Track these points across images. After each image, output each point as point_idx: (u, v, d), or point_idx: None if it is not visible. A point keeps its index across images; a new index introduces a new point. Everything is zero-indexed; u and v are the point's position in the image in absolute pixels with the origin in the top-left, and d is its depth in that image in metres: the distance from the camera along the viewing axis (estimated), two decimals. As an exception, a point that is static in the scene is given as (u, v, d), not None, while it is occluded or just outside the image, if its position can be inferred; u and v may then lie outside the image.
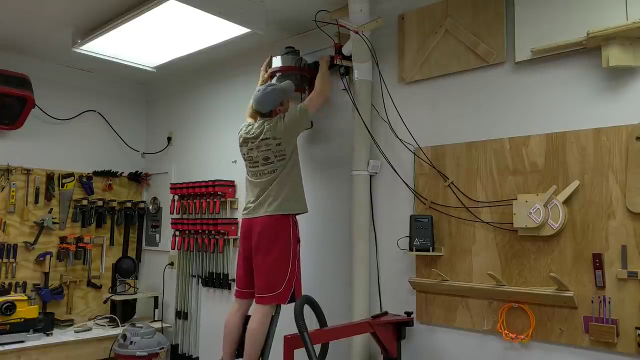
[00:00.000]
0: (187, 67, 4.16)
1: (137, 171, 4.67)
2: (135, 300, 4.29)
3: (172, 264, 4.22)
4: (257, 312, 2.68)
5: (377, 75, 2.94)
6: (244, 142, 2.86)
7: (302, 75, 3.16)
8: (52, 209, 4.12)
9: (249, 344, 2.66)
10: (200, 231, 3.86)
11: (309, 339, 2.10)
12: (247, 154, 2.85)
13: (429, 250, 2.59)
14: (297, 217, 2.81)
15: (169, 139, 4.52)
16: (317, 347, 2.58)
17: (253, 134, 2.81)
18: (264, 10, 3.11)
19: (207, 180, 3.88)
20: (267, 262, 2.66)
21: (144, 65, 4.05)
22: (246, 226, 2.80)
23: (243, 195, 3.71)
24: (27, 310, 3.49)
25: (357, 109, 2.88)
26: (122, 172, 4.58)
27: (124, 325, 3.92)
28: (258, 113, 2.87)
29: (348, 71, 2.98)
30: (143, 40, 3.46)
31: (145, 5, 2.92)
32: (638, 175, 2.06)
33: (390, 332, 2.57)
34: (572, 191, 2.21)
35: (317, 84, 2.95)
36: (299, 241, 2.79)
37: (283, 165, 2.74)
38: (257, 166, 2.80)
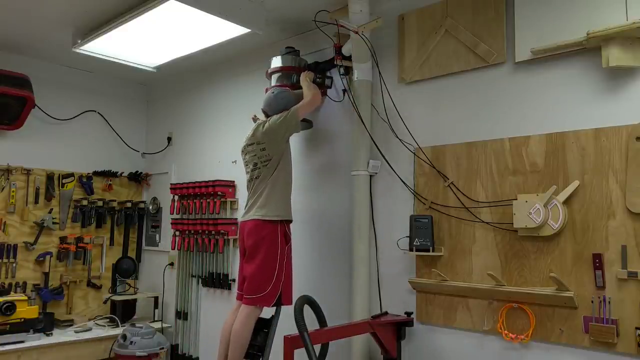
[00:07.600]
0: (187, 67, 4.16)
1: (137, 171, 4.67)
2: (135, 300, 4.29)
3: (172, 264, 4.22)
4: (242, 313, 2.68)
5: (377, 76, 2.94)
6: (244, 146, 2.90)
7: (302, 75, 3.15)
8: (52, 209, 4.12)
9: (232, 344, 2.65)
10: (200, 231, 3.86)
11: (309, 339, 2.10)
12: (243, 158, 2.89)
13: (429, 251, 2.59)
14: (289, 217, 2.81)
15: (169, 139, 4.52)
16: (317, 347, 2.58)
17: (247, 137, 2.86)
18: (264, 10, 3.11)
19: (207, 180, 3.88)
20: (254, 264, 2.67)
21: (144, 65, 4.05)
22: (240, 229, 2.84)
23: (243, 196, 3.73)
24: (27, 311, 3.48)
25: (357, 109, 2.88)
26: (122, 172, 4.58)
27: (124, 326, 3.93)
28: (265, 114, 2.91)
29: (348, 71, 2.98)
30: (143, 40, 3.46)
31: (145, 5, 2.92)
32: (638, 175, 2.06)
33: (390, 332, 2.56)
34: (572, 191, 2.21)
35: (306, 94, 2.88)
36: (287, 243, 2.76)
37: (269, 170, 2.73)
38: (249, 171, 2.84)
